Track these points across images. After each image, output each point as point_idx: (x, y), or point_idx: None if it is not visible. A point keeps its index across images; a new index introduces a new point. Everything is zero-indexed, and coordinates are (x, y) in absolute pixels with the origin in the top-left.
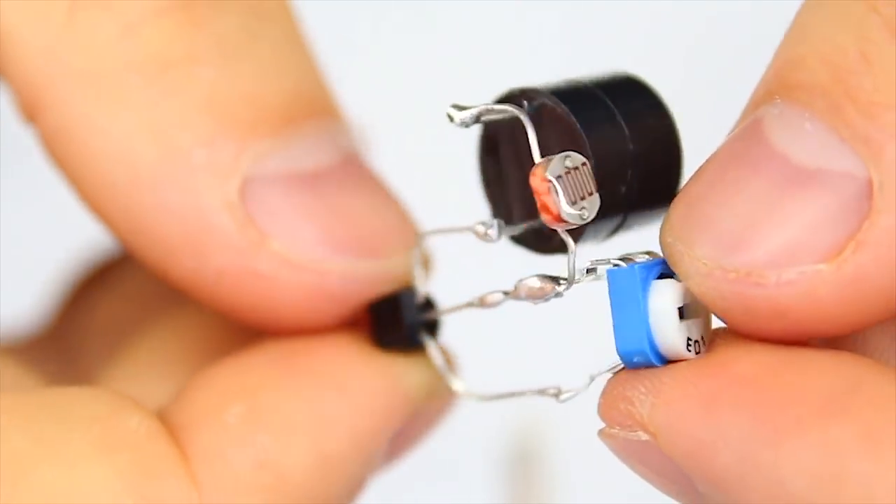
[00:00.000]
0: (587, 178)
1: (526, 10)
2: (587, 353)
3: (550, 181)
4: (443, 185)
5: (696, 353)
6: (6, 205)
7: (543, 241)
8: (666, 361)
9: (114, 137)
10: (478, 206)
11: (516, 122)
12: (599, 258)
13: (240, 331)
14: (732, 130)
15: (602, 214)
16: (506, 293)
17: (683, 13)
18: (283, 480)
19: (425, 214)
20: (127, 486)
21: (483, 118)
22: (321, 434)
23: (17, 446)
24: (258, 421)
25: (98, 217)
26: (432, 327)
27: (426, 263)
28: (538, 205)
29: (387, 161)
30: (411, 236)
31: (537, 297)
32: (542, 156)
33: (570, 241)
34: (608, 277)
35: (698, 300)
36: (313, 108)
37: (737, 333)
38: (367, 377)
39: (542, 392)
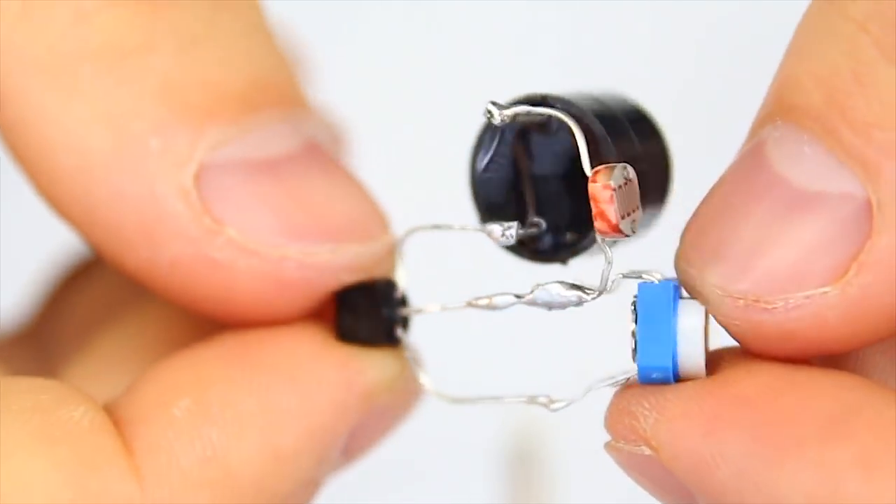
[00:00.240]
0: (635, 193)
1: (523, 9)
2: (582, 358)
3: (613, 190)
4: (434, 182)
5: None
6: None
7: (532, 246)
8: (678, 380)
9: (67, 127)
10: (464, 205)
11: (531, 124)
12: (626, 272)
13: (204, 325)
14: (738, 152)
15: None
16: (518, 296)
17: (683, 13)
18: (230, 476)
19: (414, 212)
20: (66, 478)
21: (519, 119)
22: (272, 428)
23: None
24: (206, 414)
25: (55, 209)
26: (405, 323)
27: (393, 255)
28: (594, 212)
29: (380, 158)
30: (378, 226)
31: (559, 305)
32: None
33: (608, 251)
34: (639, 291)
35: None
36: (274, 95)
37: (744, 353)
38: (323, 370)
39: (532, 400)
